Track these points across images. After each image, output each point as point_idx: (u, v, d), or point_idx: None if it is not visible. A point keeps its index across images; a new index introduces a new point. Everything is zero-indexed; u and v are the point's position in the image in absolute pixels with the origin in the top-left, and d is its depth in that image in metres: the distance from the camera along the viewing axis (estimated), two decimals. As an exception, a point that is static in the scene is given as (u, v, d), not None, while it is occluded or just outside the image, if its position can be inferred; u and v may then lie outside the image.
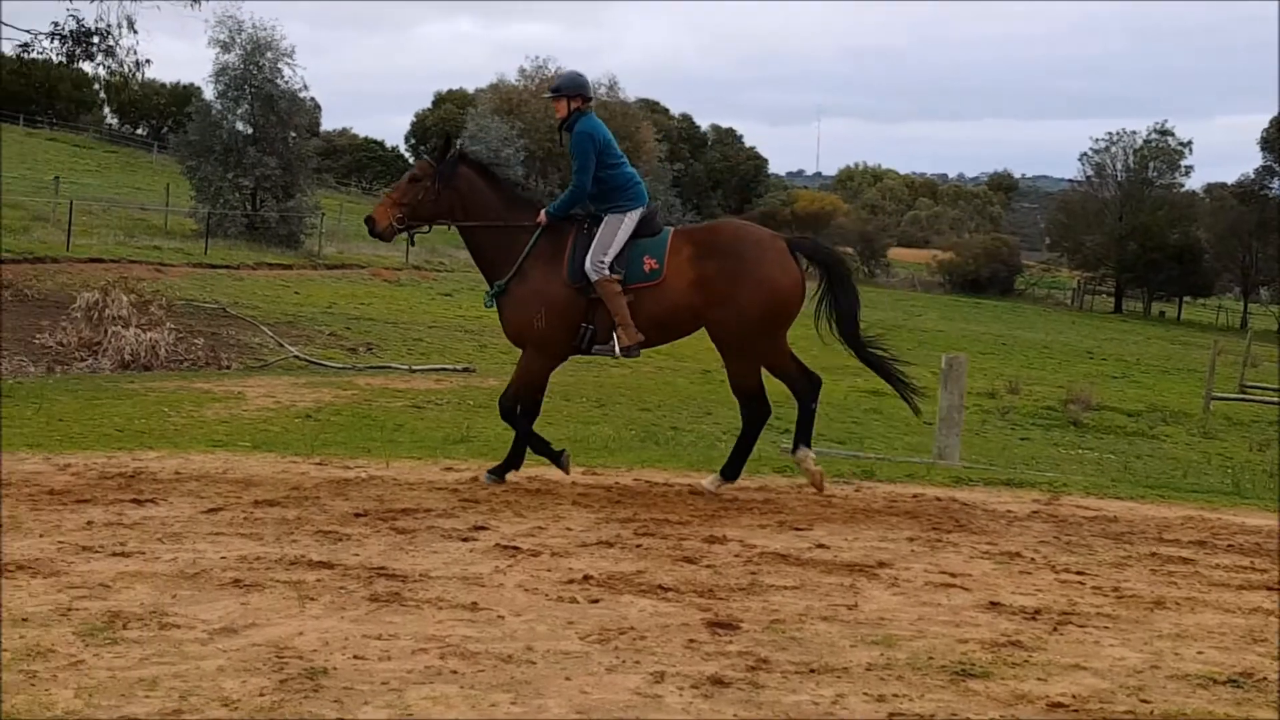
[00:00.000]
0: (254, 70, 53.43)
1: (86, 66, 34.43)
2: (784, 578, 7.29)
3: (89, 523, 8.09)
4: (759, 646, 5.92)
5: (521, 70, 75.56)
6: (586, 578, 7.04)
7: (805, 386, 10.17)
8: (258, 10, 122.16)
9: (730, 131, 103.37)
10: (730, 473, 10.19)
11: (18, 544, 7.45)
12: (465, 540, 7.92)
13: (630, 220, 9.89)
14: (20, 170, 58.91)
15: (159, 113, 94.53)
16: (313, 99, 66.85)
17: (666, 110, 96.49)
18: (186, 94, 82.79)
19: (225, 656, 5.49)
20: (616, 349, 9.81)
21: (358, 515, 8.55)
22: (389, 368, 22.54)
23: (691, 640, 5.98)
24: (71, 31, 31.00)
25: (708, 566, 7.47)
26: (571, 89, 10.13)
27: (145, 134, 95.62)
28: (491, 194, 10.15)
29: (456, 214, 10.19)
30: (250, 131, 53.92)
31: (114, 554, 7.29)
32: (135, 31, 32.09)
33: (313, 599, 6.46)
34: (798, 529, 8.70)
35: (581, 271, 9.73)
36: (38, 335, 22.48)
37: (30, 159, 66.28)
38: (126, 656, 5.44)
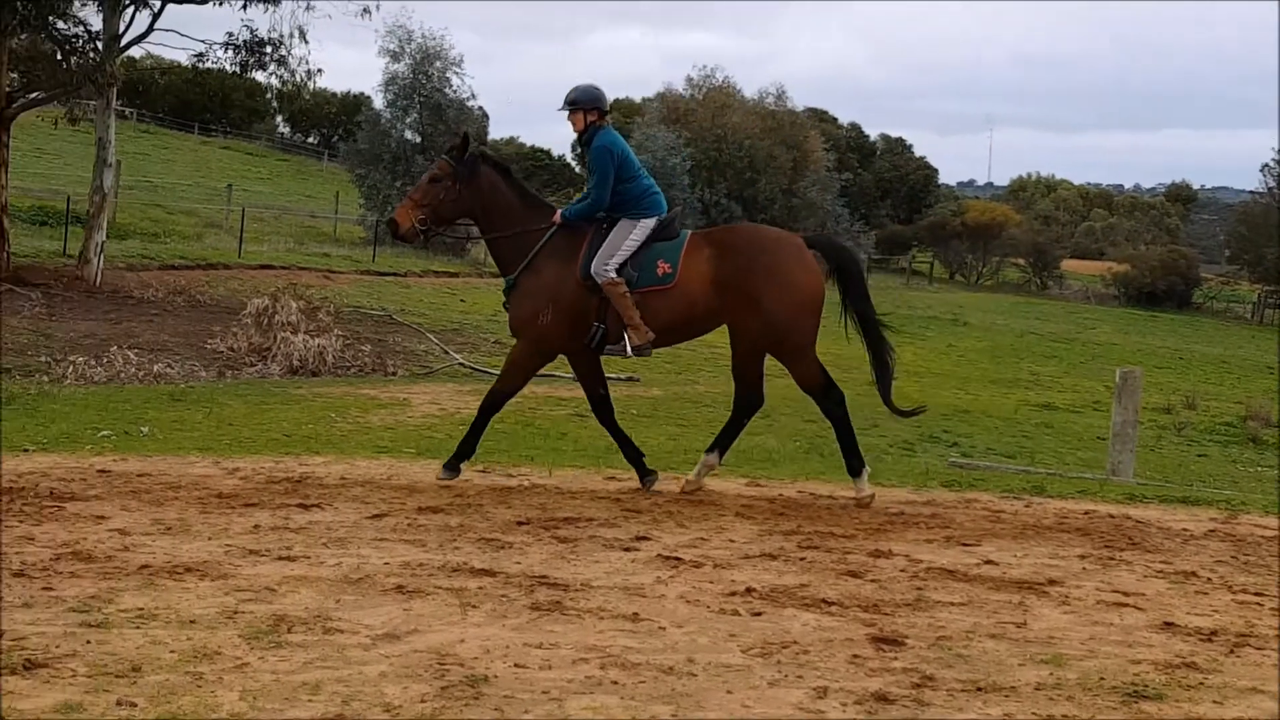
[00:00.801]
0: (423, 79, 54.10)
1: (259, 76, 35.12)
2: (951, 594, 7.13)
3: (256, 526, 8.19)
4: (925, 663, 5.79)
5: (689, 79, 75.29)
6: (749, 590, 6.94)
7: (751, 402, 10.29)
8: (427, 19, 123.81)
9: (900, 141, 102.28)
10: (855, 467, 10.05)
11: (186, 546, 7.55)
12: (627, 550, 7.86)
13: (642, 228, 9.94)
14: (194, 178, 60.44)
15: (329, 121, 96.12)
16: (480, 107, 67.64)
17: (835, 119, 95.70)
18: (356, 103, 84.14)
19: (387, 662, 5.49)
20: (628, 349, 9.91)
21: (520, 523, 8.54)
22: (553, 376, 22.52)
23: (855, 656, 5.85)
24: (245, 41, 31.61)
25: (873, 581, 7.33)
26: (588, 102, 10.19)
27: (316, 142, 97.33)
28: (511, 194, 10.27)
29: (476, 214, 10.32)
30: (418, 140, 54.56)
31: (280, 558, 7.35)
32: (306, 41, 32.58)
33: (474, 606, 6.44)
34: (965, 544, 8.51)
35: (590, 271, 9.84)
36: (209, 340, 22.94)
37: (204, 167, 67.95)
38: (290, 660, 5.47)
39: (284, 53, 31.70)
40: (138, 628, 5.85)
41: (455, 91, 55.06)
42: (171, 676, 5.20)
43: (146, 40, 31.16)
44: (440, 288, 39.68)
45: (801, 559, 7.81)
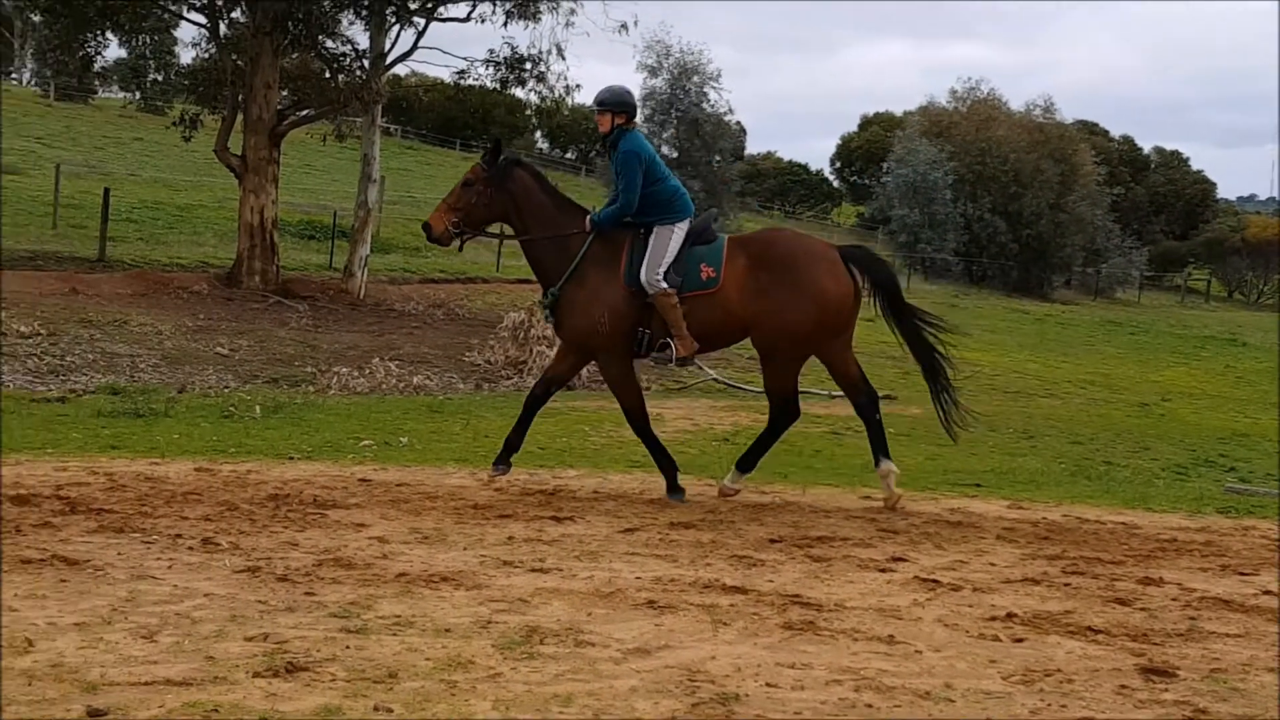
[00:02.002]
0: (680, 94, 54.46)
1: (519, 92, 35.71)
2: (1226, 624, 6.79)
3: (510, 538, 8.24)
4: (1197, 696, 5.51)
5: (952, 92, 74.29)
6: (1010, 615, 6.71)
7: (866, 398, 10.36)
8: (685, 34, 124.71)
9: (1175, 154, 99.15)
10: (746, 465, 10.25)
11: (442, 556, 7.64)
12: (883, 571, 7.69)
13: (680, 231, 9.95)
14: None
15: (588, 136, 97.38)
16: (738, 122, 67.80)
17: (1106, 132, 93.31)
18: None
19: (638, 677, 5.44)
20: (674, 358, 9.92)
21: (773, 541, 8.42)
22: (808, 393, 22.37)
23: (1123, 686, 5.60)
24: (505, 58, 32.20)
25: (1142, 609, 7.02)
26: (616, 105, 10.19)
27: (574, 157, 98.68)
28: (544, 198, 10.29)
29: (510, 218, 10.34)
30: (676, 155, 54.91)
31: (533, 570, 7.38)
32: (564, 58, 33.08)
33: (726, 624, 6.36)
34: (1242, 573, 8.10)
35: (638, 279, 9.83)
36: (467, 353, 23.34)
37: (464, 181, 69.28)
38: (543, 672, 5.46)
39: (543, 69, 32.22)
40: (395, 635, 5.91)
41: (712, 106, 55.32)
42: (427, 684, 5.23)
43: (410, 58, 32.01)
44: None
45: (1066, 585, 7.53)
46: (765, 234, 10.63)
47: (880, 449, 10.18)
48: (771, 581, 7.30)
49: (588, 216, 10.23)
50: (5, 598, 6.29)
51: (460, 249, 10.90)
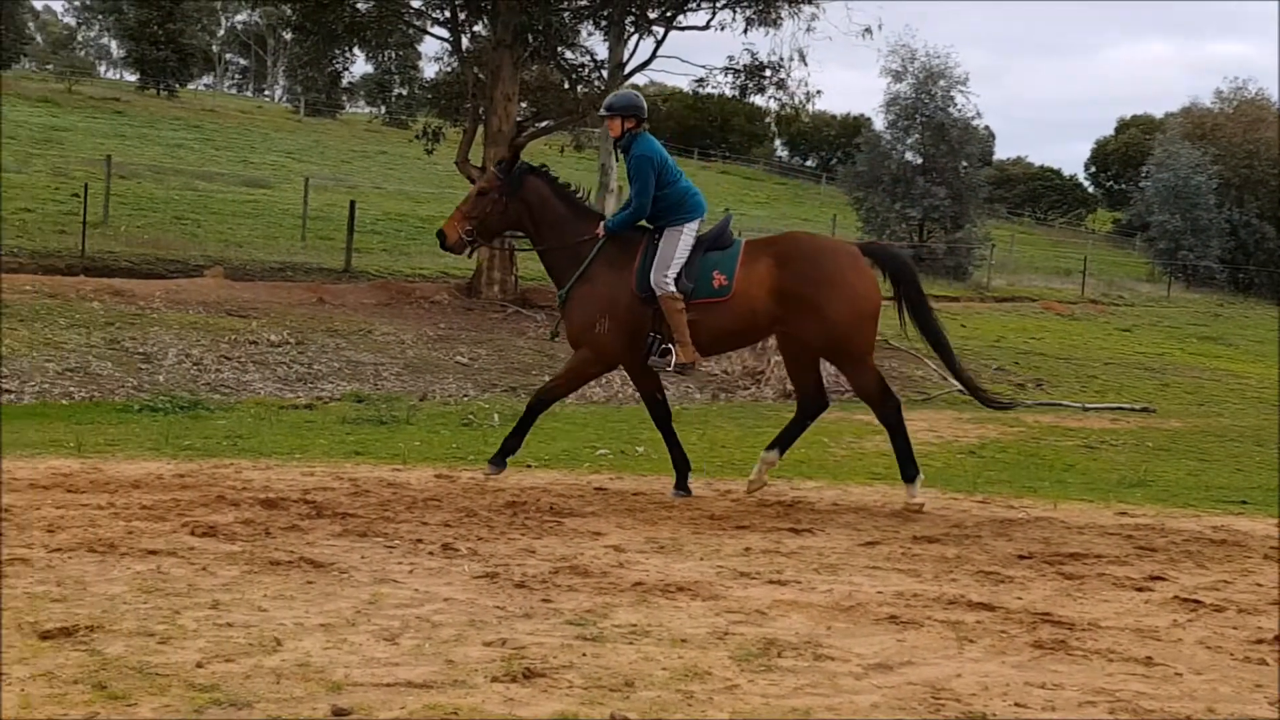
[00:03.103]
0: (925, 99, 53.70)
1: (758, 99, 35.66)
2: None
3: (747, 549, 8.14)
4: None
5: (1218, 93, 71.88)
6: (1279, 639, 6.35)
7: (818, 404, 10.44)
8: (931, 38, 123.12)
9: None
10: (910, 474, 9.96)
11: (678, 565, 7.58)
12: (1140, 590, 7.37)
13: (689, 232, 9.95)
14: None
15: (828, 144, 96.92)
16: (986, 127, 66.66)
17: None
18: (856, 124, 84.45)
19: (879, 693, 5.30)
20: (672, 364, 9.85)
21: (1021, 557, 8.16)
22: (1060, 405, 21.89)
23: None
24: (745, 65, 32.19)
25: None
26: (626, 109, 10.19)
27: (814, 165, 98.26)
28: (560, 205, 10.25)
29: (525, 226, 10.30)
30: (920, 161, 54.23)
31: (771, 581, 7.27)
32: (806, 63, 32.95)
33: (972, 641, 6.16)
34: None
35: (648, 283, 9.78)
36: (703, 364, 23.35)
37: (704, 191, 68.87)
38: (781, 685, 5.36)
39: (783, 75, 32.11)
40: (631, 643, 5.86)
41: (960, 111, 54.43)
42: (663, 694, 5.17)
43: (649, 67, 32.19)
44: (939, 312, 39.00)
45: (1336, 608, 7.12)
46: (786, 234, 10.77)
47: (785, 442, 10.41)
48: (1020, 599, 7.06)
49: (602, 222, 10.18)
50: (255, 598, 6.43)
51: (471, 255, 10.95)
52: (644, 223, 10.11)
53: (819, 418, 10.60)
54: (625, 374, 19.50)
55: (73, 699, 4.85)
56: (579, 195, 10.47)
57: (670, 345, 9.84)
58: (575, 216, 10.26)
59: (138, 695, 4.90)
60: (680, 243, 9.87)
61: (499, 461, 10.31)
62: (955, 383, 23.23)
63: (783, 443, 10.44)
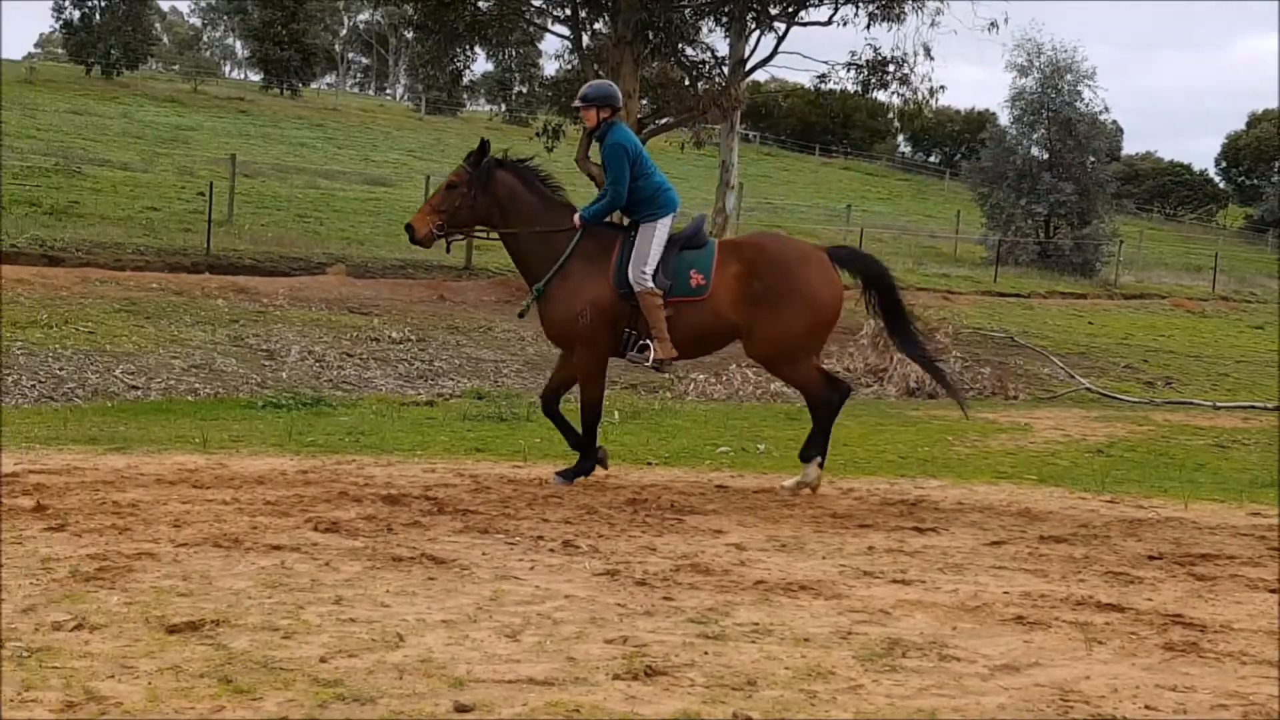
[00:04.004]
0: (1052, 94, 53.04)
1: (881, 95, 35.46)
2: None
3: (870, 548, 8.05)
4: None
5: (1354, 85, 70.36)
6: None
7: (842, 392, 10.25)
8: (1058, 31, 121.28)
9: None
10: (810, 454, 10.04)
11: (800, 564, 7.51)
12: (1273, 592, 7.17)
13: (663, 227, 9.92)
14: (814, 199, 61.82)
15: (952, 139, 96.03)
16: (1114, 121, 65.74)
17: None
18: (980, 120, 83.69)
19: (1006, 694, 5.21)
20: (651, 360, 9.85)
21: (1151, 558, 7.99)
22: (1190, 404, 21.44)
23: None
24: (868, 61, 32.02)
25: None
26: (600, 99, 10.18)
27: (937, 161, 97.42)
28: (530, 197, 10.19)
29: (495, 219, 10.26)
30: (1046, 157, 53.58)
31: (894, 581, 7.18)
32: (931, 58, 32.72)
33: (1101, 642, 6.04)
34: None
35: (626, 279, 9.76)
36: (826, 360, 23.17)
37: (824, 188, 69.38)
38: (905, 685, 5.29)
39: (907, 71, 31.92)
40: (753, 642, 5.81)
41: (1087, 105, 53.69)
42: (786, 693, 5.12)
43: (770, 64, 32.10)
44: (1066, 309, 38.71)
45: None
46: (756, 238, 10.67)
47: (818, 446, 10.11)
48: (1150, 600, 6.91)
49: (576, 214, 10.12)
50: (378, 593, 6.46)
51: (448, 250, 10.93)
52: (619, 218, 10.22)
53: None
54: (744, 371, 19.47)
55: (199, 693, 4.90)
56: (552, 184, 10.42)
57: (648, 341, 9.85)
58: (546, 208, 10.23)
59: (262, 689, 4.94)
60: (655, 238, 9.89)
61: (569, 477, 10.14)
62: (1084, 381, 22.96)
63: (808, 439, 10.25)
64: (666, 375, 20.14)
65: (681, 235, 10.03)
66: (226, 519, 8.11)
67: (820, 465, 10.06)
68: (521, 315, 10.62)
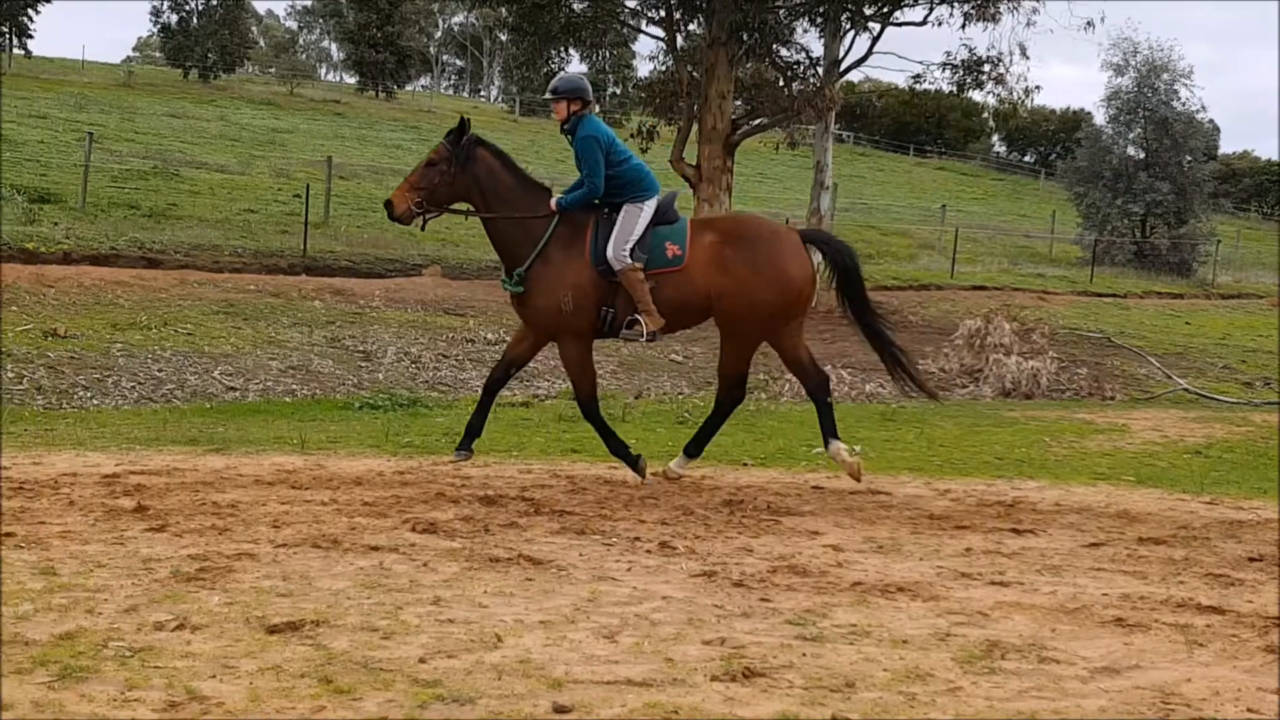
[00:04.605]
0: (1148, 93, 52.43)
1: (975, 95, 35.25)
2: None
3: (967, 549, 8.01)
4: None
5: None
6: None
7: (816, 381, 10.45)
8: (1155, 30, 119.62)
9: None
10: (694, 450, 10.48)
11: (898, 565, 7.49)
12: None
13: (648, 209, 10.02)
14: (908, 199, 61.42)
15: (1047, 139, 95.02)
16: (1210, 121, 64.82)
17: None
18: (1076, 119, 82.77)
19: (1106, 697, 5.19)
20: (644, 334, 9.92)
21: (1252, 559, 7.90)
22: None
23: None
24: (963, 61, 31.83)
25: None
26: (570, 92, 10.25)
27: (1032, 161, 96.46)
28: (509, 178, 10.25)
29: (474, 198, 10.29)
30: (1142, 156, 52.96)
31: (992, 582, 7.15)
32: (1027, 58, 32.45)
33: (1201, 645, 5.99)
34: None
35: (604, 257, 9.86)
36: (920, 361, 23.05)
37: (918, 188, 68.93)
38: (1005, 687, 5.28)
39: (1002, 70, 31.70)
40: (851, 644, 5.81)
41: (1184, 104, 53.01)
42: (884, 695, 5.12)
43: (864, 64, 31.98)
44: (1163, 309, 38.21)
45: None
46: (729, 215, 10.89)
47: (829, 430, 10.25)
48: (1251, 602, 6.84)
49: (553, 198, 10.16)
50: (476, 594, 6.52)
51: (423, 228, 10.83)
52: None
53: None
54: (839, 371, 19.42)
55: (299, 692, 4.97)
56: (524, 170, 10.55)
57: (637, 316, 9.91)
58: (524, 190, 10.28)
59: (362, 690, 5.00)
60: (641, 218, 9.99)
61: (639, 470, 10.34)
62: (1181, 381, 22.67)
63: (829, 430, 10.36)
64: (758, 375, 20.14)
65: (656, 212, 10.16)
66: (325, 520, 8.21)
67: (692, 457, 10.49)
68: (507, 288, 10.55)
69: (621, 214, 10.01)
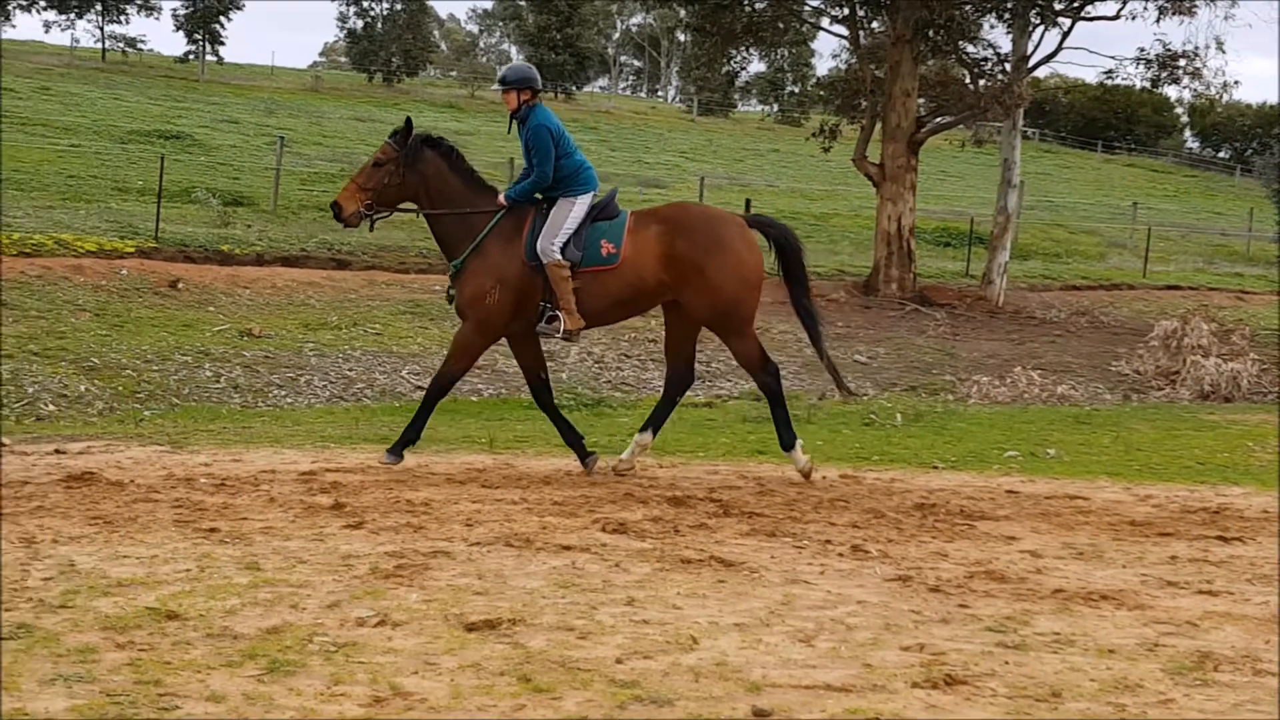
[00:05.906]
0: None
1: (1169, 90, 34.47)
2: None
3: (1173, 557, 7.78)
4: None
5: None
6: None
7: (685, 380, 10.56)
8: None
9: None
10: (788, 441, 10.23)
11: (1099, 573, 7.29)
12: None
13: (580, 205, 9.97)
14: (1096, 197, 60.16)
15: (1243, 134, 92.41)
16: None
17: None
18: (1273, 114, 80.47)
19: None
20: (561, 331, 9.91)
21: None
22: None
23: None
24: (1157, 55, 31.08)
25: None
26: (519, 82, 10.21)
27: (1227, 157, 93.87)
28: (455, 178, 10.20)
29: (420, 198, 10.22)
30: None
31: (1200, 591, 6.93)
32: (1223, 52, 31.60)
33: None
34: None
35: (536, 252, 9.82)
36: (1113, 362, 22.60)
37: (1106, 185, 67.53)
38: (1219, 700, 5.12)
39: (1199, 65, 30.86)
40: (1055, 652, 5.67)
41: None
42: (1093, 705, 4.99)
43: (1053, 60, 31.41)
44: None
45: None
46: (673, 205, 10.87)
47: (658, 422, 10.47)
48: None
49: (500, 194, 10.08)
50: (669, 595, 6.48)
51: (371, 229, 10.73)
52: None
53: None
54: (1029, 373, 19.07)
55: (500, 690, 4.97)
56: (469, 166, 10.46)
57: (557, 314, 9.87)
58: (471, 190, 10.22)
59: (561, 689, 4.99)
60: (571, 214, 9.94)
61: (397, 452, 10.26)
62: None
63: (655, 423, 10.52)
64: (945, 377, 19.86)
65: (595, 207, 10.11)
66: (516, 518, 8.25)
67: (795, 448, 10.26)
68: (450, 301, 10.48)
69: (554, 208, 10.02)
